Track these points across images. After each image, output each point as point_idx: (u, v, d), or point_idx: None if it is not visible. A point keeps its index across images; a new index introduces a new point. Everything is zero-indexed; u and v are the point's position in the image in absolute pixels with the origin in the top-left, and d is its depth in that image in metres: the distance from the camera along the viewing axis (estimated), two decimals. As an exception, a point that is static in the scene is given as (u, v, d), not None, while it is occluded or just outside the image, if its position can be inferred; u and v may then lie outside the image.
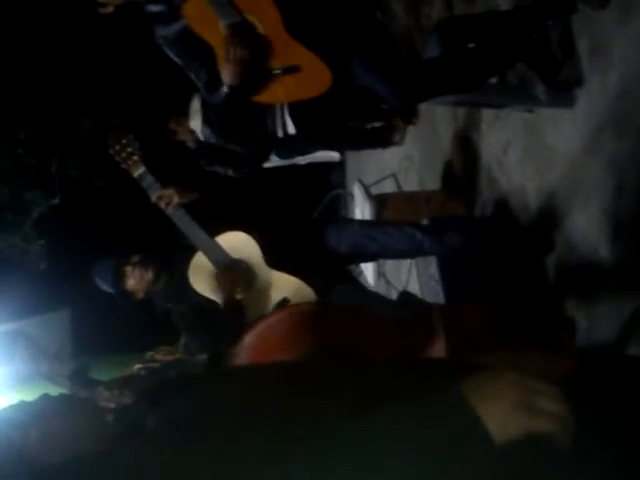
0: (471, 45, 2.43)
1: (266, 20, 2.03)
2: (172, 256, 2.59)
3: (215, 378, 1.13)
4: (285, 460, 0.78)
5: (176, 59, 2.22)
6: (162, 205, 2.40)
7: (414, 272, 3.91)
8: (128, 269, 2.51)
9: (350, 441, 0.78)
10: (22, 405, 0.95)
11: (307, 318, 1.66)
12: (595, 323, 2.32)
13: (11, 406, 0.94)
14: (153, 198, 2.41)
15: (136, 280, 2.52)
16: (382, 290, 4.51)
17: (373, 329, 1.69)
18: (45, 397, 0.96)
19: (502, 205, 3.15)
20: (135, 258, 2.53)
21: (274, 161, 4.98)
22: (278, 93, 2.21)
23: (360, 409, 0.85)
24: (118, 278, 2.51)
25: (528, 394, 0.79)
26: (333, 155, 5.30)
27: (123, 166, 2.42)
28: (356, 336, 1.61)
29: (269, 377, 1.04)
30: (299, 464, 0.77)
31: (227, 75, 2.04)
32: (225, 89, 2.07)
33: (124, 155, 2.40)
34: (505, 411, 0.77)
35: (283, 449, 0.79)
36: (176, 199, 2.39)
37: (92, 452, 0.87)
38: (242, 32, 1.99)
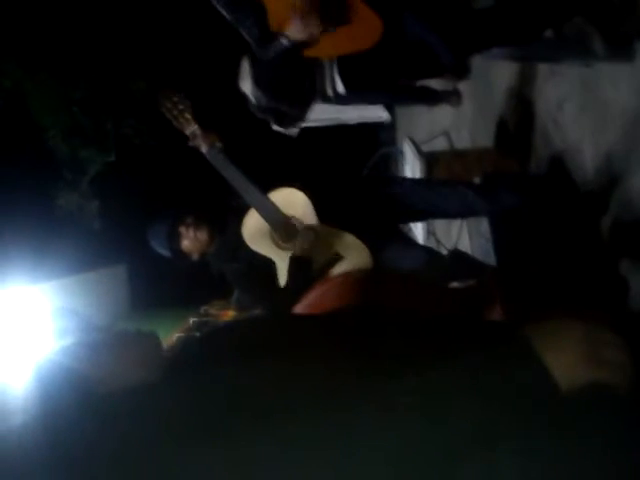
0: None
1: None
2: (225, 216, 2.63)
3: (263, 322, 1.18)
4: (337, 402, 0.80)
5: (227, 15, 2.22)
6: (203, 149, 2.41)
7: (465, 230, 3.89)
8: (182, 230, 2.55)
9: (412, 387, 0.80)
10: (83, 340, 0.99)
11: (358, 285, 1.67)
12: (649, 285, 2.28)
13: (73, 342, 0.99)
14: (193, 140, 2.43)
15: (190, 240, 2.55)
16: (432, 249, 4.49)
17: (427, 297, 1.69)
18: (108, 331, 1.02)
19: (557, 163, 3.08)
20: (189, 219, 2.57)
21: (324, 120, 4.97)
22: (328, 46, 2.19)
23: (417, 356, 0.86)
24: (173, 239, 2.54)
25: (595, 346, 0.82)
26: (382, 115, 5.25)
27: (175, 124, 2.45)
28: (409, 303, 1.62)
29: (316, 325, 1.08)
30: (359, 408, 0.78)
31: (295, 31, 2.04)
32: (285, 42, 2.07)
33: (176, 113, 2.42)
34: (573, 363, 0.80)
35: (335, 388, 0.81)
36: (216, 142, 2.41)
37: (145, 384, 0.90)
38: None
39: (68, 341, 0.98)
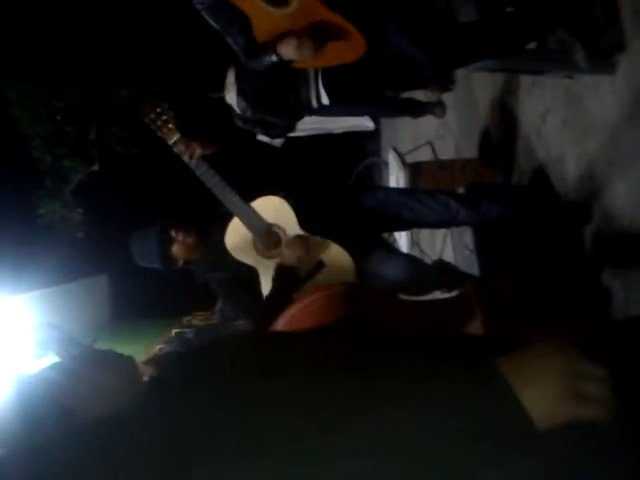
0: (509, 9, 2.38)
1: (300, -11, 2.02)
2: (209, 224, 2.62)
3: (241, 340, 1.17)
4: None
5: (214, 24, 2.23)
6: (186, 158, 2.41)
7: (449, 241, 3.90)
8: (172, 232, 2.55)
9: (375, 424, 0.77)
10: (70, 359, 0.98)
11: (339, 299, 1.67)
12: (632, 293, 2.29)
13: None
14: (176, 149, 2.42)
15: (179, 244, 2.55)
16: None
17: (407, 309, 1.69)
18: (94, 349, 1.00)
19: (540, 173, 3.10)
20: (179, 221, 2.56)
21: (309, 130, 4.97)
22: (314, 58, 2.21)
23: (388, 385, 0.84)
24: (163, 242, 2.53)
25: (574, 380, 0.77)
26: (367, 124, 5.27)
27: (158, 134, 2.44)
28: (389, 316, 1.62)
29: (298, 341, 1.07)
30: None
31: (287, 51, 2.08)
32: (274, 58, 2.09)
33: (159, 123, 2.41)
34: (552, 400, 0.76)
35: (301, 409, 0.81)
36: (199, 151, 2.41)
37: (124, 408, 0.89)
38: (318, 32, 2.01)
39: (49, 354, 0.97)
